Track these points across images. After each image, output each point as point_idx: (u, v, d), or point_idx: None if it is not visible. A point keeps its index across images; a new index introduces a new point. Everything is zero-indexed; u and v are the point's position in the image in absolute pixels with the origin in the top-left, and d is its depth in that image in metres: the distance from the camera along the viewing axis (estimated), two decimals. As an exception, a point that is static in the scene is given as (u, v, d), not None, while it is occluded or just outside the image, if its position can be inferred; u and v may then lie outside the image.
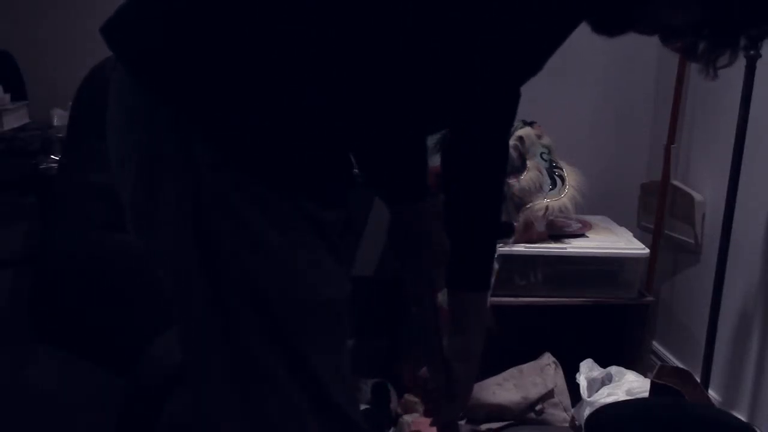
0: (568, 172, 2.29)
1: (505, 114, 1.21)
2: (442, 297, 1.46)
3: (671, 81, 2.42)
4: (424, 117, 1.05)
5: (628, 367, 2.16)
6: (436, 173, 1.21)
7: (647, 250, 2.33)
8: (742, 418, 2.02)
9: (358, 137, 1.03)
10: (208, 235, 0.95)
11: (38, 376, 1.59)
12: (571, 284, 2.27)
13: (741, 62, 1.89)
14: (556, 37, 1.04)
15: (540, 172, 2.23)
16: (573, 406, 2.17)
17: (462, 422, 2.15)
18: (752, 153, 1.95)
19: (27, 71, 2.33)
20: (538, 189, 2.22)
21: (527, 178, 2.21)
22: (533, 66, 1.04)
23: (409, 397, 2.19)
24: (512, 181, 2.20)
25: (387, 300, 2.30)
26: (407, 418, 2.13)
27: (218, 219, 0.95)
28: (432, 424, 1.34)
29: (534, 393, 2.18)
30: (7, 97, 2.21)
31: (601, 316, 2.39)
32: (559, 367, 2.26)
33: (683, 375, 1.97)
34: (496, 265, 2.17)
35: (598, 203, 2.49)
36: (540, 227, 2.25)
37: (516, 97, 1.20)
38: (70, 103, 1.84)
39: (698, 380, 2.01)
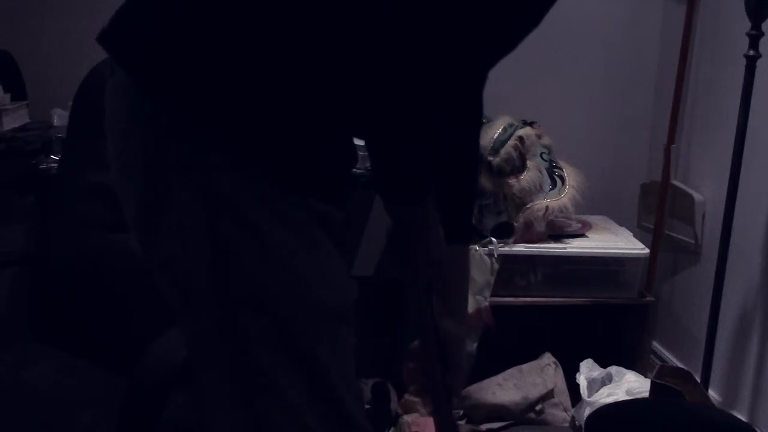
0: (568, 172, 2.29)
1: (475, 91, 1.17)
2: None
3: (671, 81, 2.42)
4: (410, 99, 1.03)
5: (628, 367, 2.16)
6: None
7: (647, 250, 2.33)
8: (742, 418, 2.02)
9: (364, 129, 1.02)
10: (220, 240, 0.94)
11: (38, 376, 1.59)
12: (571, 284, 2.27)
13: (741, 62, 1.89)
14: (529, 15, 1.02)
15: (540, 172, 2.23)
16: (573, 406, 2.17)
17: (462, 422, 2.15)
18: (752, 153, 1.95)
19: (27, 71, 2.33)
20: (538, 189, 2.22)
21: (527, 178, 2.21)
22: (508, 43, 1.02)
23: (409, 397, 2.19)
24: (512, 181, 2.20)
25: (387, 300, 2.30)
26: (407, 418, 2.13)
27: (231, 223, 0.94)
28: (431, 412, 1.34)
29: (534, 393, 2.18)
30: (7, 97, 2.21)
31: (601, 316, 2.39)
32: (559, 367, 2.26)
33: (683, 375, 1.97)
34: (495, 262, 2.18)
35: (598, 203, 2.49)
36: (540, 227, 2.25)
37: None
38: (70, 103, 1.84)
39: (698, 380, 2.01)
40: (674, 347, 2.48)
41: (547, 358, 2.28)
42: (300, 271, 0.98)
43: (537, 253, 2.24)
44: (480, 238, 2.22)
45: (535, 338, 2.35)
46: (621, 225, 2.50)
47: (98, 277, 1.71)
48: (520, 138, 2.22)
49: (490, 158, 2.19)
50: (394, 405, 2.19)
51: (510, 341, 2.19)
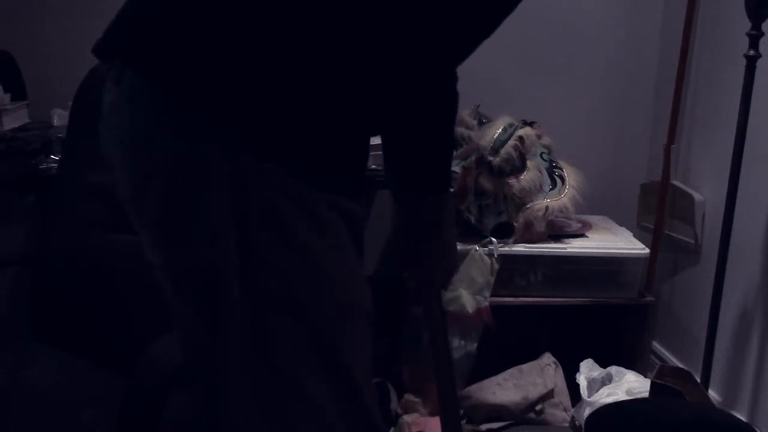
0: (568, 172, 2.29)
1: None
2: (445, 297, 1.46)
3: (671, 81, 2.42)
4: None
5: (628, 367, 2.16)
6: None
7: (647, 250, 2.33)
8: (742, 418, 2.02)
9: (386, 121, 1.03)
10: (250, 241, 0.94)
11: (38, 375, 1.59)
12: (571, 284, 2.27)
13: (741, 62, 1.89)
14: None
15: (540, 172, 2.23)
16: (573, 406, 2.17)
17: (462, 422, 2.15)
18: (752, 153, 1.95)
19: (27, 71, 2.33)
20: (538, 189, 2.22)
21: (527, 178, 2.20)
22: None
23: (409, 397, 2.19)
24: (512, 181, 2.20)
25: (387, 300, 2.30)
26: (407, 418, 2.13)
27: (261, 224, 0.94)
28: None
29: (534, 393, 2.18)
30: (7, 97, 2.21)
31: (601, 316, 2.39)
32: (559, 367, 2.26)
33: (683, 375, 1.97)
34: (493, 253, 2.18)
35: (598, 203, 2.49)
36: (540, 227, 2.25)
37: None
38: (70, 103, 1.84)
39: (698, 380, 2.01)
40: (674, 347, 2.48)
41: (547, 358, 2.28)
42: (330, 272, 0.98)
43: (537, 253, 2.24)
44: (480, 238, 2.22)
45: (535, 338, 2.35)
46: (621, 225, 2.50)
47: (98, 277, 1.71)
48: (520, 138, 2.21)
49: (490, 158, 2.19)
50: (394, 405, 2.19)
51: (510, 341, 2.19)
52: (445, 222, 1.20)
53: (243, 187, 0.93)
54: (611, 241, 2.35)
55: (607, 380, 2.10)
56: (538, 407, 2.19)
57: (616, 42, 2.61)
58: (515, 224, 2.23)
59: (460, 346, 2.18)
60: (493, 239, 2.21)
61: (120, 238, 1.67)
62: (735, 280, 2.07)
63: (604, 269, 2.29)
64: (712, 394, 2.13)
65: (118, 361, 1.57)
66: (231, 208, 0.93)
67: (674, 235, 2.44)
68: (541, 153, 2.27)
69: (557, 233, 2.33)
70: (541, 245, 2.26)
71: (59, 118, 2.22)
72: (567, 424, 2.16)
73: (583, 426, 1.84)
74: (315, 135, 0.97)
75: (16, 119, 2.23)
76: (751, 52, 1.88)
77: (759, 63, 1.88)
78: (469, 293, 2.17)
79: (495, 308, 2.18)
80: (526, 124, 2.28)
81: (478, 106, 2.32)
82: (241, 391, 0.98)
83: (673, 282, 2.50)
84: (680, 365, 2.31)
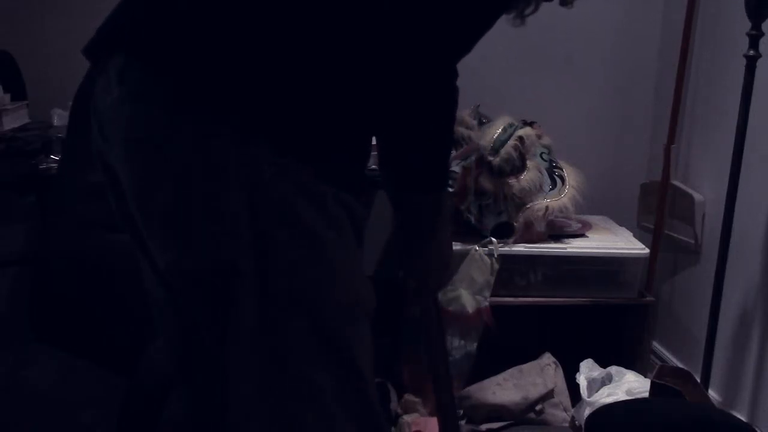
0: (568, 172, 2.29)
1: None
2: (443, 297, 1.46)
3: (671, 81, 2.42)
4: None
5: (628, 367, 2.16)
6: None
7: (647, 250, 2.33)
8: (742, 418, 2.02)
9: (385, 118, 1.04)
10: (267, 241, 0.93)
11: (38, 375, 1.59)
12: (571, 284, 2.27)
13: (741, 62, 1.89)
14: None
15: (540, 172, 2.23)
16: (573, 406, 2.17)
17: (462, 422, 2.15)
18: (752, 153, 1.95)
19: (27, 71, 2.33)
20: (538, 189, 2.22)
21: (527, 178, 2.20)
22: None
23: (409, 397, 2.19)
24: (512, 181, 2.20)
25: (387, 300, 2.30)
26: (407, 418, 2.13)
27: (279, 223, 0.94)
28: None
29: (534, 393, 2.18)
30: (7, 97, 2.21)
31: (601, 316, 2.39)
32: (559, 367, 2.26)
33: (683, 375, 1.97)
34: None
35: (598, 203, 2.49)
36: (540, 227, 2.25)
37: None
38: (70, 103, 1.84)
39: (698, 380, 2.01)
40: (674, 347, 2.48)
41: (547, 358, 2.28)
42: (340, 269, 0.99)
43: (537, 253, 2.24)
44: (480, 238, 2.22)
45: (535, 338, 2.35)
46: (621, 225, 2.50)
47: (98, 277, 1.71)
48: (520, 138, 2.21)
49: (490, 158, 2.18)
50: (394, 405, 2.19)
51: (510, 341, 2.18)
52: (441, 221, 1.20)
53: (258, 182, 0.93)
54: (611, 241, 2.35)
55: (607, 380, 2.10)
56: (538, 407, 2.19)
57: (616, 42, 2.61)
58: (515, 224, 2.23)
59: (460, 346, 2.18)
60: (493, 239, 2.21)
61: (120, 238, 1.67)
62: (735, 280, 2.07)
63: (604, 269, 2.29)
64: (712, 394, 2.13)
65: (118, 361, 1.57)
66: (247, 205, 0.93)
67: (674, 235, 2.44)
68: (541, 153, 2.27)
69: (557, 233, 2.33)
70: (541, 245, 2.26)
71: (59, 118, 2.22)
72: (567, 424, 2.16)
73: (583, 426, 1.84)
74: (327, 130, 0.98)
75: (16, 119, 2.23)
76: (751, 52, 1.88)
77: (759, 63, 1.88)
78: (469, 293, 2.17)
79: (495, 308, 2.18)
80: (526, 124, 2.28)
81: (478, 106, 2.32)
82: (249, 389, 0.98)
83: (673, 282, 2.50)
84: (680, 365, 2.31)
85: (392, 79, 1.00)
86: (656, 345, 2.55)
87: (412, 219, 1.18)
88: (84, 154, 1.75)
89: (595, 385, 2.09)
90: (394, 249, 1.21)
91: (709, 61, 2.32)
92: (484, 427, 2.16)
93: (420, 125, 1.07)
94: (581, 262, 2.27)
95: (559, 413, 2.19)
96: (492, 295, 2.18)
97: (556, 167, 2.29)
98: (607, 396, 2.01)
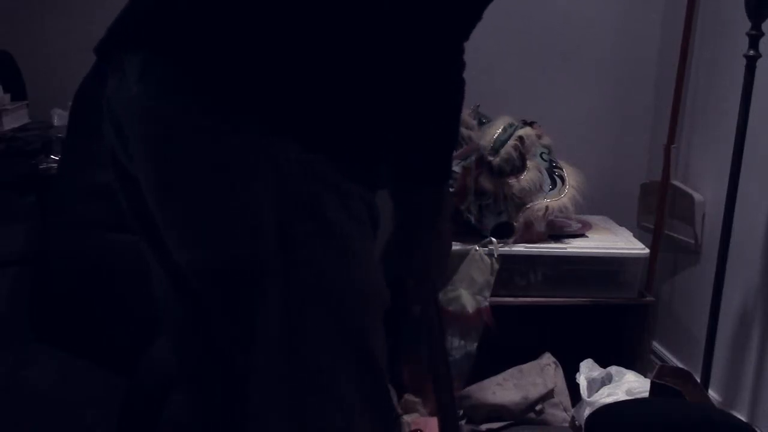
0: (568, 172, 2.29)
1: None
2: (443, 297, 1.46)
3: (671, 81, 2.42)
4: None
5: (628, 367, 2.16)
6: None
7: (647, 250, 2.33)
8: (742, 418, 2.02)
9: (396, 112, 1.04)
10: (293, 236, 0.94)
11: (38, 375, 1.58)
12: (571, 284, 2.27)
13: (741, 62, 1.89)
14: None
15: (540, 172, 2.23)
16: (573, 406, 2.17)
17: (462, 422, 2.15)
18: (752, 153, 1.95)
19: (27, 71, 2.33)
20: (538, 189, 2.22)
21: (527, 178, 2.21)
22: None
23: (409, 397, 2.19)
24: (512, 181, 2.20)
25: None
26: (407, 418, 2.13)
27: (305, 218, 0.94)
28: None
29: (534, 393, 2.18)
30: (7, 97, 2.21)
31: (601, 316, 2.39)
32: (559, 367, 2.26)
33: (683, 375, 1.97)
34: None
35: (598, 203, 2.49)
36: (540, 227, 2.25)
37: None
38: (70, 103, 1.84)
39: (698, 380, 2.01)
40: (674, 347, 2.48)
41: (547, 358, 2.28)
42: (363, 264, 1.00)
43: (537, 253, 2.24)
44: (480, 238, 2.22)
45: (535, 338, 2.35)
46: (621, 225, 2.50)
47: (98, 276, 1.71)
48: (520, 138, 2.22)
49: (490, 158, 2.19)
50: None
51: (510, 341, 2.18)
52: (442, 215, 1.20)
53: (284, 177, 0.93)
54: (611, 241, 2.35)
55: (607, 380, 2.10)
56: (538, 407, 2.19)
57: (616, 42, 2.61)
58: (515, 224, 2.23)
59: (460, 346, 2.18)
60: (493, 239, 2.21)
61: (120, 237, 1.66)
62: (735, 280, 2.07)
63: (604, 269, 2.29)
64: (712, 394, 2.13)
65: (117, 361, 1.57)
66: (273, 199, 0.93)
67: (674, 235, 2.44)
68: (541, 153, 2.27)
69: (557, 233, 2.33)
70: (541, 245, 2.26)
71: (59, 118, 2.22)
72: (567, 424, 2.16)
73: (583, 426, 1.84)
74: (350, 125, 0.98)
75: (16, 119, 2.23)
76: (751, 52, 1.88)
77: (759, 63, 1.88)
78: (469, 293, 2.17)
79: (495, 308, 2.18)
80: (526, 124, 2.28)
81: (478, 106, 2.32)
82: (271, 381, 0.98)
83: (673, 282, 2.50)
84: (680, 365, 2.31)
85: (404, 67, 1.00)
86: (656, 345, 2.55)
87: (412, 213, 1.17)
88: (84, 154, 1.75)
89: (595, 385, 2.09)
90: (393, 247, 1.21)
91: (709, 61, 2.32)
92: (484, 427, 2.16)
93: (426, 115, 1.07)
94: (581, 262, 2.27)
95: (559, 413, 2.19)
96: (492, 295, 2.18)
97: (556, 167, 2.29)
98: (607, 396, 2.01)
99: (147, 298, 1.59)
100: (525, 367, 2.25)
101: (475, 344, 2.18)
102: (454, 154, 2.21)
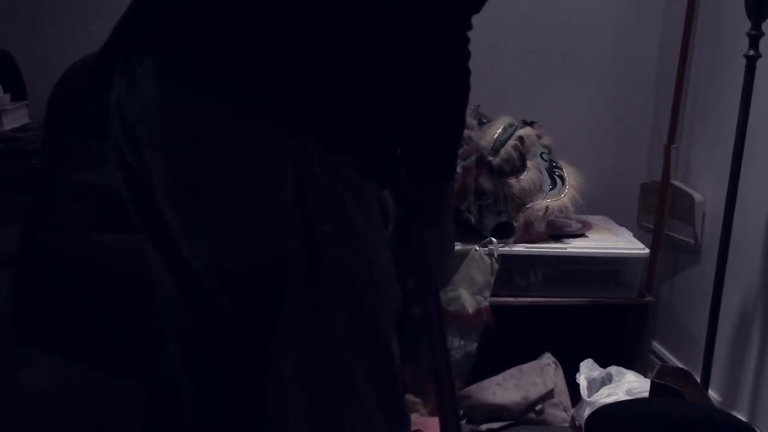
0: (568, 172, 2.29)
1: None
2: (443, 297, 1.46)
3: (671, 81, 2.42)
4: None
5: (628, 367, 2.16)
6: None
7: (647, 250, 2.33)
8: (742, 418, 2.02)
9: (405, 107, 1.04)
10: (315, 236, 0.95)
11: (36, 376, 1.57)
12: (571, 284, 2.27)
13: (741, 62, 1.89)
14: None
15: (540, 172, 2.23)
16: (573, 406, 2.17)
17: (462, 422, 2.15)
18: (752, 153, 1.95)
19: (27, 71, 2.33)
20: (538, 189, 2.22)
21: (527, 178, 2.21)
22: None
23: (409, 397, 2.19)
24: (512, 181, 2.20)
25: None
26: (407, 418, 2.13)
27: (327, 218, 0.95)
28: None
29: (534, 393, 2.18)
30: (7, 97, 2.21)
31: (601, 316, 2.39)
32: (559, 367, 2.26)
33: (683, 375, 1.97)
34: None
35: (598, 203, 2.49)
36: (540, 227, 2.25)
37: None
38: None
39: (698, 380, 2.01)
40: (674, 347, 2.48)
41: (547, 358, 2.28)
42: (382, 263, 1.00)
43: (537, 253, 2.24)
44: (480, 238, 2.22)
45: (535, 338, 2.35)
46: (621, 225, 2.50)
47: (84, 277, 1.68)
48: (520, 138, 2.22)
49: (490, 158, 2.19)
50: (394, 405, 2.19)
51: (510, 341, 2.18)
52: (445, 213, 1.20)
53: (308, 177, 0.93)
54: (611, 241, 2.35)
55: (607, 380, 2.10)
56: (538, 407, 2.19)
57: (616, 42, 2.61)
58: (515, 224, 2.23)
59: (460, 346, 2.18)
60: (493, 239, 2.21)
61: (105, 238, 1.66)
62: (735, 280, 2.07)
63: (604, 269, 2.29)
64: (712, 394, 2.13)
65: (109, 362, 1.56)
66: (295, 201, 0.93)
67: (674, 235, 2.44)
68: (541, 153, 2.27)
69: (557, 233, 2.33)
70: (541, 245, 2.26)
71: (59, 118, 2.22)
72: (567, 424, 2.16)
73: (583, 426, 1.84)
74: (369, 124, 0.99)
75: (16, 119, 2.23)
76: (751, 52, 1.88)
77: (759, 63, 1.88)
78: (469, 293, 2.17)
79: (495, 308, 2.18)
80: (526, 124, 2.28)
81: (478, 106, 2.32)
82: (291, 380, 0.99)
83: (673, 282, 2.50)
84: (680, 365, 2.31)
85: (411, 59, 1.01)
86: (656, 345, 2.55)
87: (414, 210, 1.17)
88: (68, 154, 1.74)
89: (595, 385, 2.09)
90: (395, 245, 1.21)
91: (709, 61, 2.32)
92: (484, 427, 2.16)
93: (430, 105, 1.07)
94: (581, 262, 2.27)
95: (559, 413, 2.19)
96: (492, 295, 2.18)
97: (556, 167, 2.29)
98: (607, 396, 2.01)
99: (137, 297, 1.59)
100: (525, 367, 2.25)
101: (475, 344, 2.18)
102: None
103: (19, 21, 2.41)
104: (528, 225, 2.23)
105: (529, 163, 2.22)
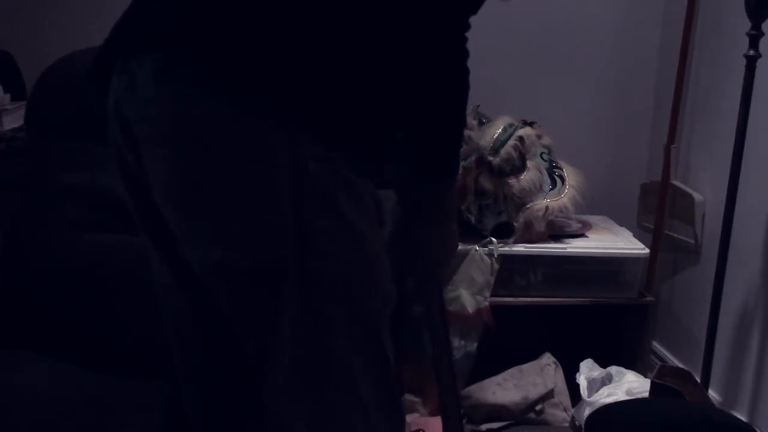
0: (568, 172, 2.29)
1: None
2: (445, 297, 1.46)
3: (671, 81, 2.42)
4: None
5: (628, 367, 2.16)
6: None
7: (647, 250, 2.33)
8: (742, 418, 2.02)
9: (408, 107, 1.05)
10: (310, 233, 0.95)
11: (33, 377, 1.55)
12: (571, 284, 2.27)
13: (741, 62, 1.89)
14: None
15: (540, 172, 2.23)
16: (573, 406, 2.17)
17: (463, 421, 2.15)
18: (752, 153, 1.95)
19: (27, 71, 2.33)
20: (538, 189, 2.22)
21: (527, 178, 2.21)
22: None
23: (409, 397, 2.19)
24: (512, 181, 2.20)
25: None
26: (407, 418, 2.13)
27: (321, 215, 0.95)
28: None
29: (534, 393, 2.18)
30: (7, 97, 2.21)
31: (601, 316, 2.39)
32: (559, 367, 2.26)
33: (683, 375, 1.97)
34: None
35: (598, 203, 2.49)
36: (540, 227, 2.25)
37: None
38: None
39: (698, 380, 2.01)
40: (674, 347, 2.48)
41: (547, 358, 2.28)
42: (377, 260, 1.01)
43: (537, 253, 2.25)
44: (480, 238, 2.22)
45: (535, 338, 2.35)
46: (621, 225, 2.50)
47: (77, 278, 1.66)
48: (520, 138, 2.22)
49: (490, 158, 2.19)
50: (394, 405, 2.19)
51: (510, 341, 2.18)
52: (447, 213, 1.20)
53: (302, 174, 0.94)
54: (611, 241, 2.35)
55: (607, 380, 2.11)
56: (538, 407, 2.19)
57: (616, 42, 2.61)
58: (515, 224, 2.23)
59: (460, 346, 2.18)
60: (493, 239, 2.21)
61: (98, 238, 1.65)
62: (735, 280, 2.07)
63: (604, 269, 2.29)
64: (712, 394, 2.13)
65: (99, 361, 1.55)
66: (290, 197, 0.94)
67: (674, 235, 2.44)
68: (541, 153, 2.27)
69: (557, 233, 2.33)
70: (541, 245, 2.26)
71: (59, 118, 2.22)
72: (567, 424, 2.16)
73: (583, 426, 1.84)
74: (364, 123, 0.99)
75: (16, 119, 2.22)
76: (751, 52, 1.88)
77: (759, 63, 1.88)
78: (469, 293, 2.17)
79: (495, 308, 2.18)
80: (526, 124, 2.28)
81: (478, 106, 2.32)
82: (290, 375, 0.99)
83: (673, 282, 2.50)
84: (680, 365, 2.31)
85: (409, 59, 1.01)
86: (656, 345, 2.55)
87: (416, 210, 1.17)
88: (54, 155, 1.73)
89: (595, 385, 2.09)
90: (397, 245, 1.21)
91: (709, 61, 2.32)
92: (484, 427, 2.16)
93: (430, 105, 1.07)
94: (581, 262, 2.27)
95: (559, 413, 2.19)
96: (492, 295, 2.18)
97: (556, 167, 2.29)
98: (607, 396, 2.01)
99: (131, 297, 1.58)
100: (525, 367, 2.25)
101: (475, 344, 2.18)
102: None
103: (19, 21, 2.41)
104: (528, 225, 2.23)
105: (529, 163, 2.22)
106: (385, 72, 0.99)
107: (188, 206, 0.99)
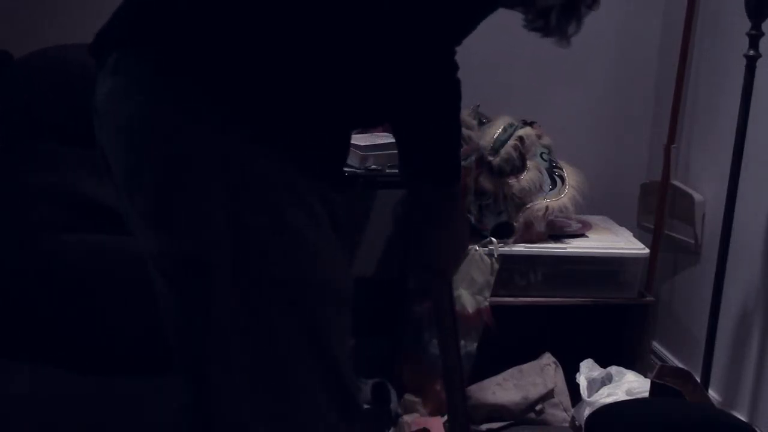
0: (568, 172, 2.29)
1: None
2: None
3: (671, 81, 2.42)
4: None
5: (628, 367, 2.16)
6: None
7: (647, 250, 2.33)
8: (742, 418, 2.02)
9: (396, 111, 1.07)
10: (244, 228, 0.96)
11: (19, 383, 1.53)
12: (571, 284, 2.27)
13: (741, 62, 1.89)
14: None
15: (540, 172, 2.23)
16: (573, 406, 2.17)
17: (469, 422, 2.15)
18: (752, 153, 1.95)
19: (27, 71, 2.32)
20: (538, 189, 2.22)
21: (527, 178, 2.21)
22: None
23: (409, 397, 2.19)
24: (512, 181, 2.20)
25: (387, 300, 2.30)
26: (407, 418, 2.13)
27: (257, 211, 0.96)
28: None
29: (534, 393, 2.18)
30: (7, 97, 2.21)
31: (601, 316, 2.39)
32: (559, 367, 2.26)
33: (683, 375, 1.97)
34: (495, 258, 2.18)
35: (598, 203, 2.48)
36: (540, 227, 2.25)
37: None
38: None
39: (698, 380, 2.01)
40: (674, 347, 2.48)
41: (547, 358, 2.28)
42: (319, 257, 1.00)
43: (537, 253, 2.25)
44: (480, 238, 2.22)
45: (535, 338, 2.35)
46: (621, 225, 2.50)
47: (51, 280, 1.63)
48: (520, 138, 2.22)
49: (490, 158, 2.19)
50: (394, 405, 2.19)
51: (510, 341, 2.19)
52: (453, 214, 1.22)
53: (237, 170, 0.95)
54: (611, 241, 2.35)
55: (607, 380, 2.11)
56: (538, 407, 2.19)
57: (616, 42, 2.60)
58: (515, 224, 2.23)
59: (461, 346, 2.18)
60: (493, 239, 2.21)
61: (73, 238, 1.64)
62: (735, 280, 2.07)
63: (604, 269, 2.29)
64: (712, 394, 2.13)
65: (78, 362, 1.54)
66: (225, 192, 0.95)
67: (674, 235, 2.44)
68: (541, 153, 2.27)
69: (557, 233, 2.33)
70: (541, 245, 2.26)
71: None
72: (567, 424, 2.16)
73: (583, 426, 1.85)
74: (311, 122, 1.00)
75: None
76: (751, 52, 1.88)
77: (759, 63, 1.88)
78: (469, 293, 2.17)
79: (495, 308, 2.18)
80: (526, 124, 2.28)
81: (478, 106, 2.32)
82: (234, 377, 0.99)
83: (673, 282, 2.50)
84: (680, 365, 2.31)
85: (389, 69, 1.03)
86: (656, 345, 2.55)
87: (424, 210, 1.20)
88: (21, 155, 1.72)
89: (595, 385, 2.09)
90: (409, 245, 1.23)
91: (709, 61, 2.32)
92: (484, 427, 2.16)
93: (424, 118, 1.10)
94: (581, 262, 2.27)
95: (559, 413, 2.19)
96: (492, 295, 2.18)
97: (556, 167, 2.29)
98: (607, 396, 2.01)
99: (110, 296, 1.57)
100: (525, 367, 2.25)
101: (475, 344, 2.17)
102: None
103: (19, 21, 2.41)
104: (528, 225, 2.23)
105: (529, 163, 2.22)
106: (338, 78, 1.00)
107: (130, 198, 1.01)
